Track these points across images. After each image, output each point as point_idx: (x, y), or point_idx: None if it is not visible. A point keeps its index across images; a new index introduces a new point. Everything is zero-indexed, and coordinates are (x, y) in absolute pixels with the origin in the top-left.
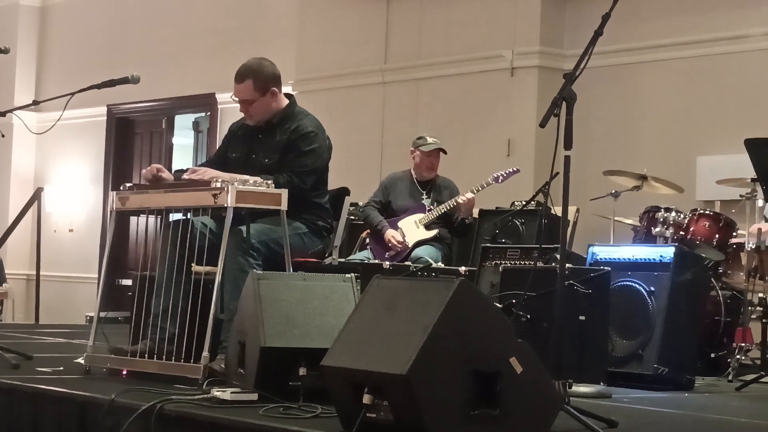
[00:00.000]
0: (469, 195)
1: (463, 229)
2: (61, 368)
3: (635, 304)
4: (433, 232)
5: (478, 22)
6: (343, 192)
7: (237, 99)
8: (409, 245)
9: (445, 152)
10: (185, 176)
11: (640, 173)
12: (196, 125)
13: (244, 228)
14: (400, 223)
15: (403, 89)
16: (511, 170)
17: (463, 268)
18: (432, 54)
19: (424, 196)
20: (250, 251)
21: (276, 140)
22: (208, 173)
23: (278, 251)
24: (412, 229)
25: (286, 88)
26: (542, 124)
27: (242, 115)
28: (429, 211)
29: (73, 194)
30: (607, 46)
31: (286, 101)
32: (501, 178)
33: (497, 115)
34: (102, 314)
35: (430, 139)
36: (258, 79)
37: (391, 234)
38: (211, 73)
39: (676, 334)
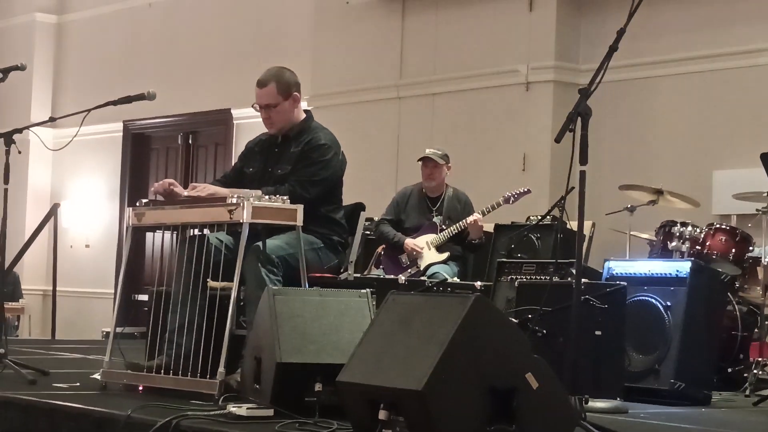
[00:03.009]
0: (476, 216)
1: (472, 249)
2: (78, 384)
3: (651, 318)
4: (445, 255)
5: (493, 36)
6: (359, 207)
7: (259, 106)
8: (421, 267)
9: (442, 162)
10: (185, 193)
11: (655, 188)
12: (185, 138)
13: (261, 244)
14: None
15: (419, 104)
16: (522, 190)
17: (478, 283)
18: (447, 69)
19: (434, 214)
20: (269, 266)
21: (291, 152)
22: (206, 189)
23: (295, 266)
24: (423, 251)
25: (302, 104)
26: (557, 140)
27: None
28: (440, 231)
29: (90, 210)
30: (622, 60)
31: (304, 115)
32: (512, 198)
33: (512, 130)
34: (118, 330)
35: (427, 150)
36: (281, 82)
37: (411, 243)
38: (227, 88)
39: (692, 349)
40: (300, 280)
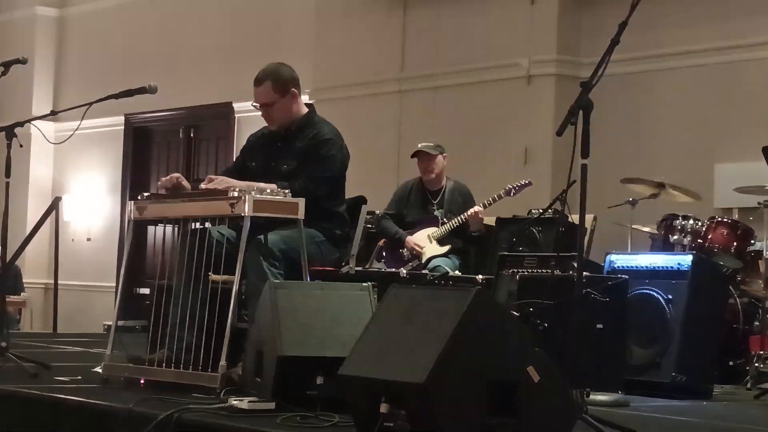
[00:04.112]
0: (477, 209)
1: (473, 242)
2: (79, 377)
3: (653, 312)
4: (446, 248)
5: (494, 30)
6: (360, 201)
7: (257, 104)
8: (422, 260)
9: (435, 152)
10: (202, 185)
11: (657, 181)
12: (187, 132)
13: (263, 237)
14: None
15: (420, 98)
16: (523, 183)
17: (480, 277)
18: (449, 62)
19: (435, 207)
20: (271, 260)
21: (295, 147)
22: (225, 182)
23: (296, 260)
24: (425, 244)
25: (303, 98)
26: (559, 133)
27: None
28: (442, 224)
29: (91, 204)
30: (624, 53)
31: (306, 109)
32: (513, 191)
33: (514, 124)
34: (120, 323)
35: (419, 145)
36: (277, 80)
37: (412, 241)
38: (228, 82)
39: (694, 343)
40: (301, 274)
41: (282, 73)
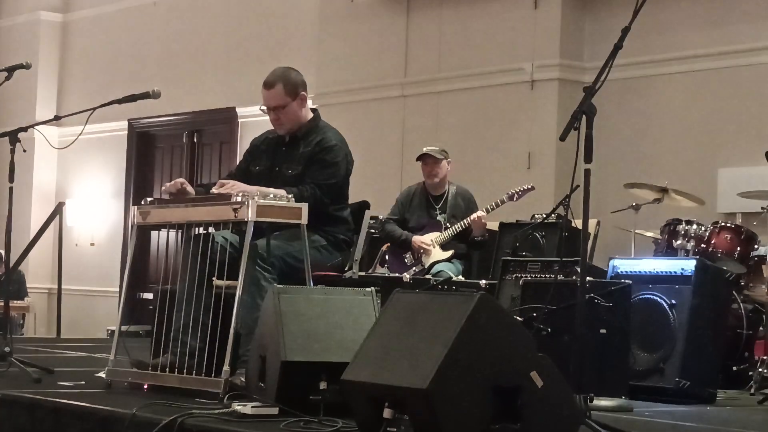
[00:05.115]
0: (480, 214)
1: (476, 247)
2: (83, 382)
3: (656, 317)
4: (449, 253)
5: (497, 35)
6: (364, 205)
7: (267, 107)
8: (426, 265)
9: (441, 157)
10: (213, 190)
11: (660, 186)
12: (190, 137)
13: (259, 242)
14: None
15: (423, 102)
16: (525, 187)
17: (483, 282)
18: (452, 67)
19: (438, 212)
20: (264, 265)
21: (300, 152)
22: (236, 187)
23: (294, 265)
24: (431, 248)
25: (308, 102)
26: (562, 138)
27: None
28: (444, 229)
29: (95, 208)
30: (627, 58)
31: (311, 114)
32: (516, 195)
33: (517, 128)
34: (123, 328)
35: (425, 148)
36: (288, 83)
37: (419, 240)
38: (231, 87)
39: (697, 348)
40: (300, 279)
41: (292, 76)
